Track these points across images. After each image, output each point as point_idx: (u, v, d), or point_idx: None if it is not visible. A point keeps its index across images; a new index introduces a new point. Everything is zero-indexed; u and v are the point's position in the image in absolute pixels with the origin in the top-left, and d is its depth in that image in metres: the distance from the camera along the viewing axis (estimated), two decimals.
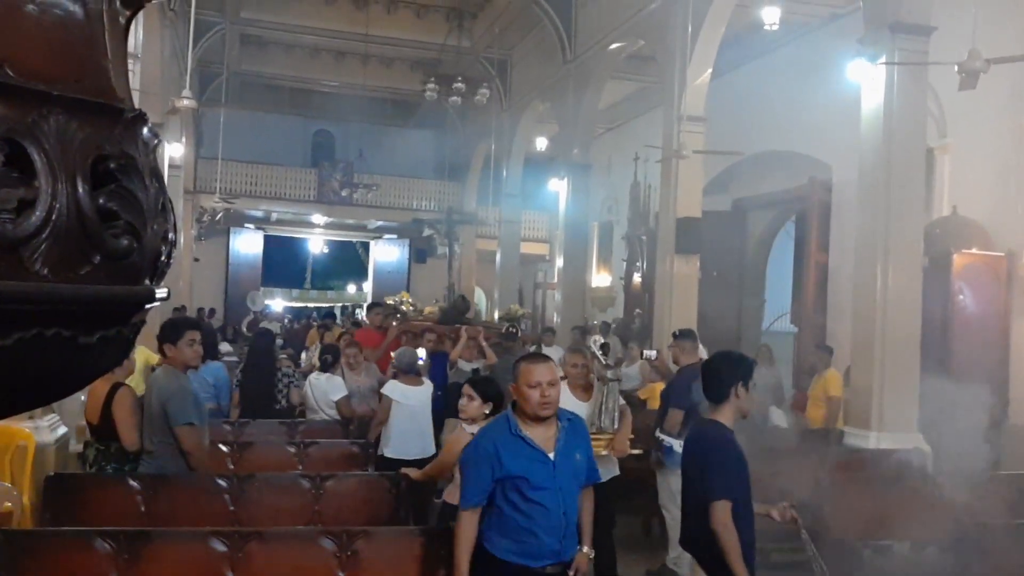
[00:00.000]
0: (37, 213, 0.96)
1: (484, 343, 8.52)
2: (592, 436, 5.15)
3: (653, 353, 8.20)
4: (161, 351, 4.49)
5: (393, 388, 6.35)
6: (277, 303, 28.53)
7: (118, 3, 1.17)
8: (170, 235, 1.25)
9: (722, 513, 3.28)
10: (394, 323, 9.10)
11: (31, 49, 0.99)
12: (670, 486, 6.23)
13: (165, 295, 1.24)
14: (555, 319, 16.11)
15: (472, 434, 4.20)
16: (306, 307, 30.56)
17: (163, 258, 1.24)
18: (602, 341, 5.81)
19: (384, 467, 5.68)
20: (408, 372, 6.48)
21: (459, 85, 15.82)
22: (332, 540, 3.31)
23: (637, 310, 15.34)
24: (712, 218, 12.50)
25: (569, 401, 5.19)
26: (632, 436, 5.58)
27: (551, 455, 3.19)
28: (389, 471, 5.04)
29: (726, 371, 3.51)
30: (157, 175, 1.18)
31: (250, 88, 21.83)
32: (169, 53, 13.96)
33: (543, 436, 3.22)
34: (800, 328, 12.53)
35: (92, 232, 1.01)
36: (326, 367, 7.20)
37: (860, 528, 5.15)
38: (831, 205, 11.91)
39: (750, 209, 15.36)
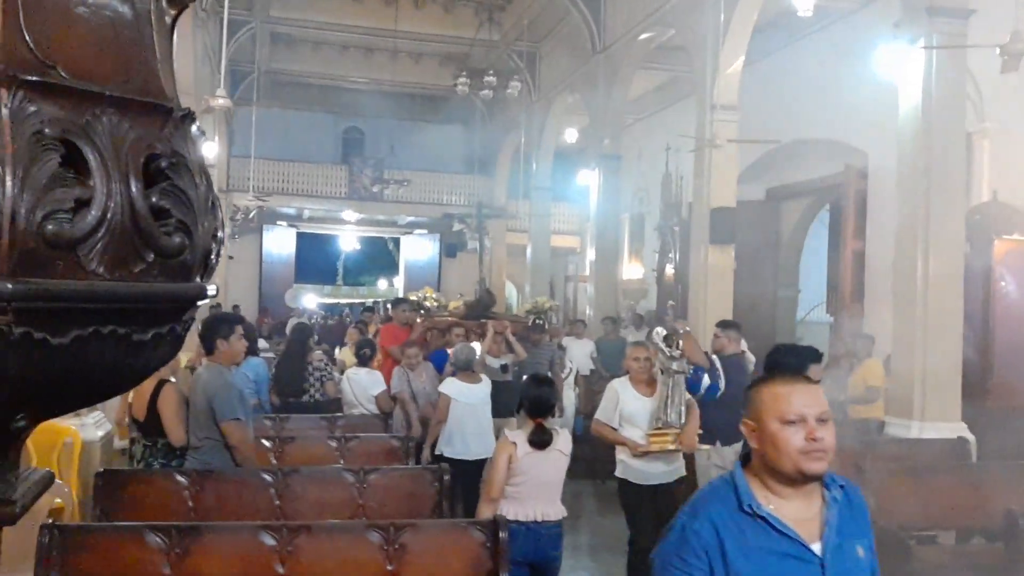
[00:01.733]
0: (93, 212, 0.96)
1: (511, 337, 8.33)
2: (659, 431, 5.09)
3: (661, 330, 8.18)
4: (206, 348, 4.53)
5: (451, 386, 6.23)
6: (310, 299, 28.72)
7: (164, 2, 1.18)
8: (219, 232, 1.26)
9: None
10: (419, 319, 8.93)
11: (83, 50, 1.00)
12: (710, 477, 6.22)
13: (215, 292, 1.26)
14: (587, 312, 16.06)
15: (514, 443, 4.19)
16: (338, 303, 30.75)
17: (213, 255, 1.25)
18: (665, 332, 5.62)
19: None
20: (465, 369, 6.36)
21: (490, 79, 15.79)
22: (379, 533, 3.32)
23: (670, 302, 15.24)
24: (745, 207, 12.38)
25: (631, 397, 5.21)
26: (700, 431, 5.48)
27: (816, 547, 1.89)
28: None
29: (776, 365, 3.42)
30: (205, 173, 1.19)
31: (280, 86, 21.99)
32: (201, 53, 14.09)
33: (802, 514, 1.92)
34: (836, 318, 12.39)
35: (145, 230, 1.02)
36: (364, 361, 7.26)
37: (905, 518, 5.09)
38: (867, 193, 11.75)
39: (784, 198, 15.19)
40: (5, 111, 0.93)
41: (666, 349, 5.32)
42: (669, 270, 15.95)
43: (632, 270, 19.49)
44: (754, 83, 11.80)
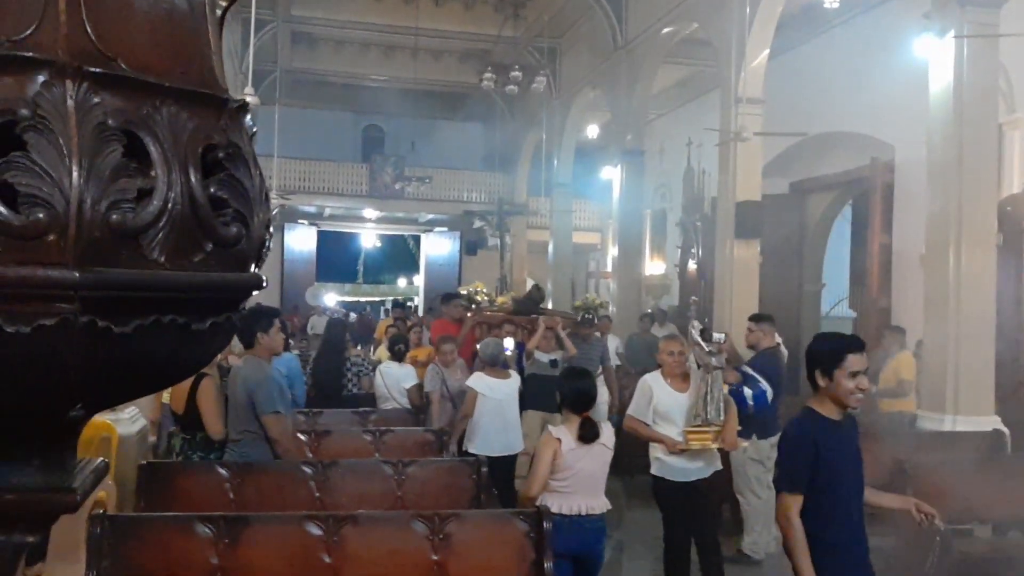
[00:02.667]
0: (155, 202, 0.97)
1: (562, 333, 8.18)
2: (698, 429, 4.99)
3: (722, 336, 8.13)
4: (245, 341, 4.56)
5: (478, 381, 6.15)
6: (330, 298, 28.88)
7: None
8: (271, 224, 1.27)
9: (783, 506, 3.15)
10: (469, 314, 8.79)
11: (142, 43, 1.00)
12: (746, 471, 6.18)
13: (267, 283, 1.26)
14: (610, 308, 16.03)
15: (559, 439, 4.16)
16: (359, 301, 30.91)
17: (266, 246, 1.25)
18: (701, 327, 5.50)
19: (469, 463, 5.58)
20: (493, 364, 6.27)
21: (516, 74, 15.76)
22: (424, 523, 3.33)
23: (693, 297, 15.07)
24: (770, 202, 12.30)
25: (666, 392, 5.09)
26: (740, 427, 5.36)
27: None
28: None
29: (810, 356, 3.31)
30: (258, 164, 1.19)
31: (301, 85, 22.09)
32: (225, 53, 14.15)
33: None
34: (860, 312, 12.30)
35: (204, 220, 1.03)
36: (399, 357, 7.31)
37: (942, 512, 5.03)
38: (894, 186, 11.64)
39: (809, 192, 15.08)
40: (71, 102, 0.93)
41: (703, 343, 5.19)
42: (691, 266, 15.89)
43: (654, 266, 19.43)
44: (779, 76, 11.72)
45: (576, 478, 4.15)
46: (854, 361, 3.18)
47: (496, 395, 6.09)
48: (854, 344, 3.27)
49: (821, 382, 3.22)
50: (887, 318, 11.25)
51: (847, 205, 14.70)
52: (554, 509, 3.80)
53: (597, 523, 4.22)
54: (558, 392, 4.39)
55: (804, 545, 3.07)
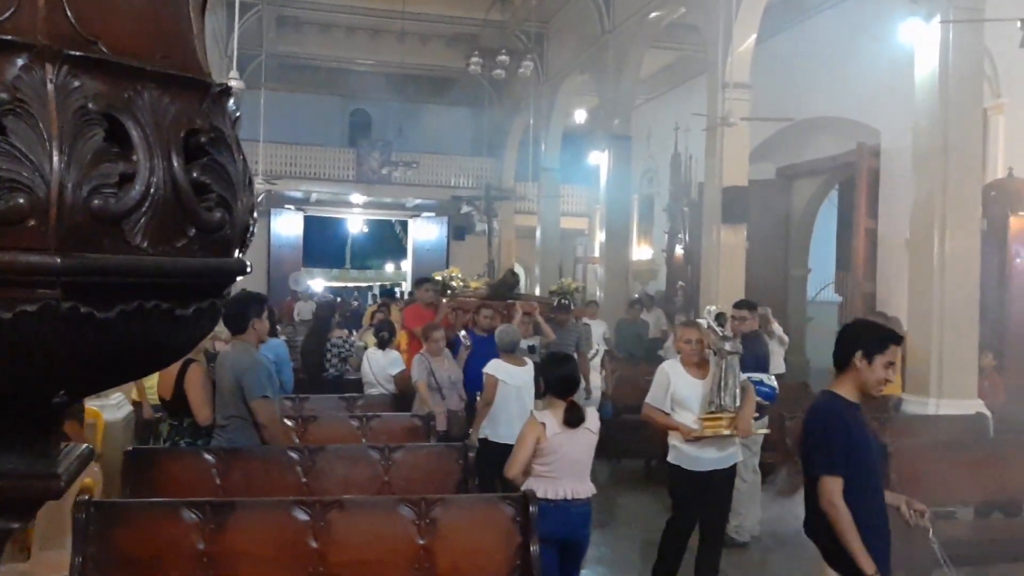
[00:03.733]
0: (137, 187, 0.96)
1: (540, 319, 8.14)
2: (712, 416, 4.88)
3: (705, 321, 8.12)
4: (237, 327, 4.54)
5: (498, 367, 6.01)
6: (317, 283, 28.80)
7: None
8: (254, 208, 1.26)
9: (827, 490, 3.10)
10: (444, 300, 8.67)
11: (123, 26, 0.99)
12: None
13: (251, 268, 1.26)
14: (597, 293, 16.06)
15: (543, 423, 4.16)
16: (346, 287, 30.83)
17: (249, 231, 1.25)
18: (717, 311, 5.33)
19: (488, 452, 5.39)
20: (511, 351, 6.16)
21: (503, 58, 15.69)
22: (411, 508, 3.34)
23: (680, 282, 15.24)
24: (756, 187, 12.33)
25: (683, 380, 4.99)
26: (756, 414, 5.27)
27: None
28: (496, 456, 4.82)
29: (851, 338, 3.27)
30: (241, 149, 1.19)
31: (287, 69, 21.92)
32: (208, 36, 14.03)
33: None
34: (846, 297, 12.37)
35: (187, 205, 1.02)
36: (384, 344, 7.31)
37: (923, 495, 5.08)
38: (879, 171, 11.69)
39: (795, 177, 15.14)
40: (51, 86, 0.92)
41: (718, 329, 5.07)
42: (679, 251, 15.94)
43: (642, 251, 19.48)
44: (766, 61, 11.73)
45: (561, 463, 4.15)
46: (894, 352, 3.23)
47: (515, 382, 5.98)
48: (897, 336, 3.34)
49: (859, 363, 3.20)
50: (872, 303, 11.32)
51: (834, 190, 14.76)
52: (540, 494, 3.80)
53: (583, 508, 4.22)
54: (542, 378, 4.37)
55: (854, 527, 3.05)
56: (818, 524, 3.20)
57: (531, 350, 7.63)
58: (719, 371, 4.94)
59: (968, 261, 7.29)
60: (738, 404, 4.93)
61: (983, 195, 7.93)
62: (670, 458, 5.04)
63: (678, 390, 4.99)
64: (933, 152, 7.28)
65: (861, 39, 11.43)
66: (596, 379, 8.89)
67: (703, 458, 4.92)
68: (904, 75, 7.85)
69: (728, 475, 5.04)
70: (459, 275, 10.10)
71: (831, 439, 3.16)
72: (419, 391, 6.51)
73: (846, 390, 3.24)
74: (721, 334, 5.03)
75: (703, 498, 4.93)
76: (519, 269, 23.39)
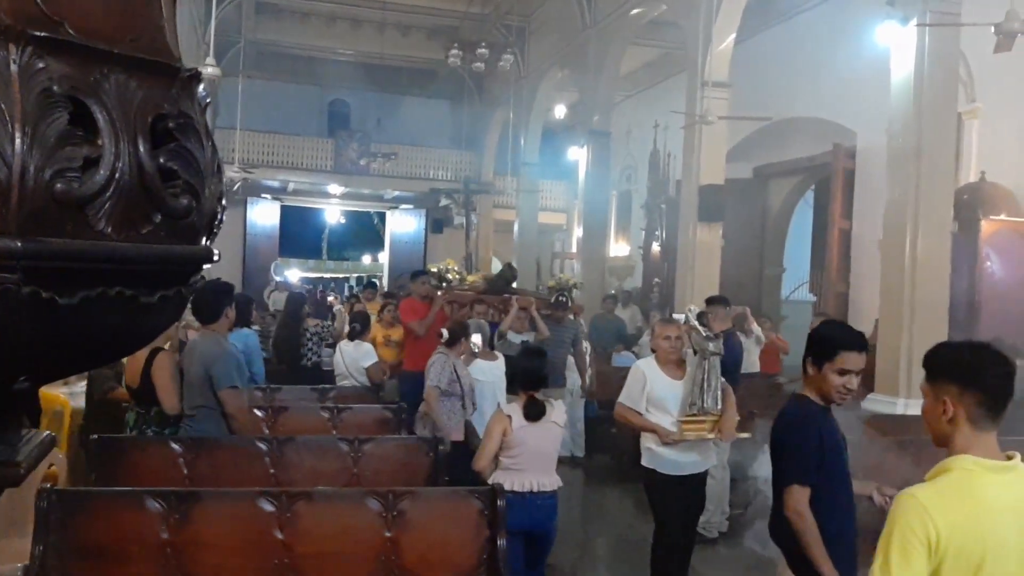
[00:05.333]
0: (101, 172, 0.95)
1: (536, 314, 7.98)
2: (694, 419, 4.65)
3: (682, 317, 8.12)
4: (210, 316, 4.51)
5: (472, 364, 5.90)
6: (294, 273, 28.65)
7: None
8: (224, 197, 1.25)
9: (793, 499, 3.00)
10: (439, 292, 8.47)
11: (91, 8, 0.99)
12: None
13: (219, 257, 1.25)
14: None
15: (509, 416, 4.16)
16: (322, 278, 30.69)
17: (218, 219, 1.24)
18: (698, 310, 5.07)
19: (460, 453, 5.10)
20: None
21: (483, 51, 15.63)
22: (378, 500, 3.33)
23: (656, 279, 15.29)
24: (733, 186, 12.41)
25: (660, 379, 4.77)
26: (739, 417, 5.05)
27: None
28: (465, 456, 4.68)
29: (809, 340, 3.14)
30: (210, 136, 1.18)
31: (266, 57, 21.77)
32: (186, 22, 13.92)
33: None
34: (820, 296, 12.48)
35: (153, 191, 1.01)
36: (354, 335, 7.27)
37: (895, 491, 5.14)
38: (855, 172, 11.79)
39: (772, 176, 15.24)
40: (14, 67, 0.91)
41: (701, 329, 4.85)
42: (656, 248, 15.99)
43: (619, 248, 19.52)
44: (745, 61, 11.79)
45: (527, 455, 4.17)
46: (846, 359, 3.04)
47: (489, 378, 5.86)
48: (855, 342, 3.09)
49: (810, 370, 3.11)
50: (845, 303, 11.43)
51: (810, 190, 14.87)
52: (506, 486, 3.80)
53: (549, 500, 4.24)
54: (510, 370, 4.36)
55: (819, 537, 2.97)
56: (783, 529, 3.12)
57: (524, 345, 7.51)
58: (701, 372, 4.74)
59: (939, 263, 7.38)
60: (720, 406, 4.73)
61: (955, 198, 8.02)
62: (645, 462, 4.82)
63: (655, 390, 4.77)
64: (907, 154, 7.36)
65: (839, 41, 11.52)
66: (578, 377, 8.82)
67: (684, 462, 4.73)
68: (881, 77, 7.92)
69: (703, 478, 4.88)
70: (455, 268, 9.74)
71: (804, 447, 3.04)
72: (427, 401, 5.66)
73: (812, 394, 3.12)
74: (705, 334, 4.83)
75: (683, 502, 4.74)
76: (497, 263, 23.42)
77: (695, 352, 4.82)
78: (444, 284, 9.00)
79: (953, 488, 2.07)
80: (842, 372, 3.03)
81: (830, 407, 3.14)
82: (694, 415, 4.69)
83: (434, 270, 9.28)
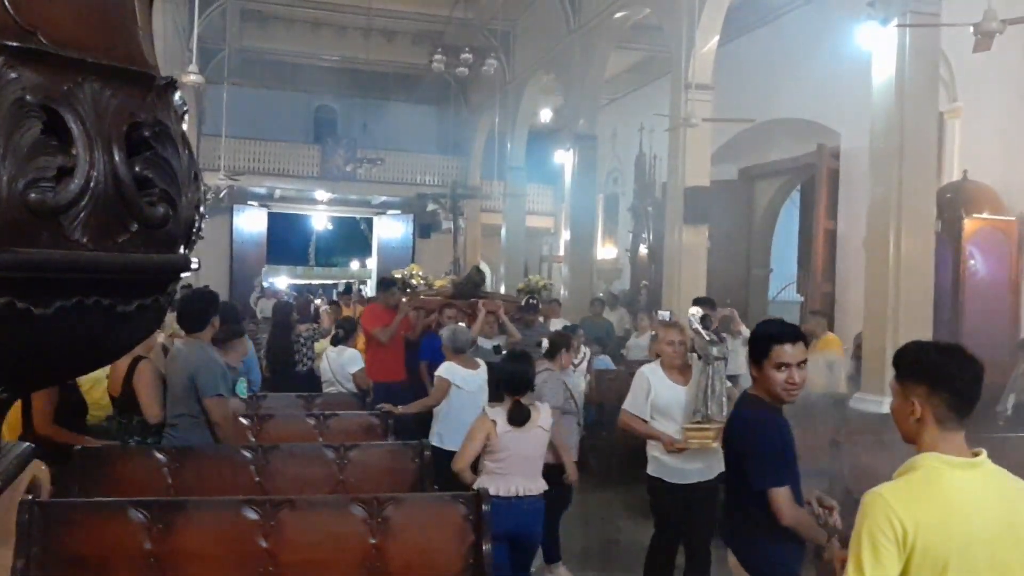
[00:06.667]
0: (76, 181, 0.96)
1: (505, 318, 7.89)
2: (698, 426, 4.49)
3: (667, 314, 8.13)
4: (197, 324, 4.50)
5: (452, 371, 5.65)
6: (282, 280, 28.55)
7: None
8: (201, 205, 1.26)
9: (778, 504, 2.91)
10: (404, 299, 8.27)
11: (64, 17, 0.99)
12: None
13: (198, 265, 1.25)
14: (562, 292, 16.11)
15: (493, 421, 4.13)
16: (310, 284, 30.61)
17: (195, 228, 1.24)
18: (701, 313, 4.93)
19: (440, 460, 4.81)
20: (461, 352, 5.79)
21: (467, 56, 15.63)
22: (362, 507, 3.32)
23: (644, 282, 15.33)
24: (719, 187, 12.45)
25: (664, 385, 4.66)
26: None
27: None
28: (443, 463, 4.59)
29: (748, 341, 3.12)
30: (187, 144, 1.18)
31: (251, 64, 21.72)
32: (170, 30, 13.88)
33: None
34: (806, 297, 12.53)
35: (129, 200, 1.02)
36: (337, 340, 7.22)
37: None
38: (839, 173, 11.86)
39: (757, 178, 15.30)
40: None
41: (705, 333, 4.73)
42: (643, 250, 16.03)
43: (606, 251, 19.55)
44: (728, 63, 11.84)
45: (512, 460, 4.16)
46: (780, 352, 2.99)
47: (469, 387, 5.61)
48: (784, 334, 3.05)
49: (754, 372, 3.07)
50: (831, 302, 11.48)
51: (795, 191, 14.94)
52: (492, 491, 3.79)
53: (535, 504, 4.23)
54: (496, 375, 4.34)
55: (814, 523, 2.98)
56: (733, 530, 3.11)
57: (496, 350, 7.37)
58: (705, 378, 4.60)
59: (922, 262, 7.42)
60: (725, 413, 4.50)
61: (938, 197, 8.07)
62: (650, 470, 4.69)
63: (659, 397, 4.65)
64: (889, 154, 7.40)
65: (822, 42, 11.58)
66: (581, 384, 8.71)
67: (687, 470, 4.58)
68: (863, 78, 7.96)
69: (712, 486, 4.62)
70: (420, 273, 9.59)
71: (771, 448, 2.98)
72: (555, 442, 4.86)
73: (763, 394, 3.08)
74: (708, 338, 4.70)
75: (687, 513, 4.59)
76: (485, 267, 23.44)
77: (699, 357, 4.69)
78: (408, 290, 8.86)
79: (919, 485, 2.09)
80: (779, 367, 3.00)
81: (781, 407, 3.09)
82: (699, 422, 4.55)
83: (399, 275, 9.13)
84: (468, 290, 9.24)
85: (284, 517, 3.24)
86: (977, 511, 2.07)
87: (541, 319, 8.69)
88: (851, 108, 10.23)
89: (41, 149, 0.94)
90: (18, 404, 4.36)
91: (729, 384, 4.76)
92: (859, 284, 8.58)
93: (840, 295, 11.53)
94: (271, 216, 25.41)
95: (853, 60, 9.29)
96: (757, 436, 3.02)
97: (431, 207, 20.38)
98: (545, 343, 5.93)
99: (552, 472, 4.72)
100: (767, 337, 3.06)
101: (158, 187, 1.08)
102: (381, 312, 7.94)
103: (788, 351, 3.01)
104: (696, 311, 5.02)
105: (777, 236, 15.78)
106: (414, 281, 9.09)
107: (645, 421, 4.67)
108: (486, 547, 3.33)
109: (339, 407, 6.10)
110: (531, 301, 8.43)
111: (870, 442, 5.67)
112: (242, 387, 5.48)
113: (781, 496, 2.93)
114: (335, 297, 21.63)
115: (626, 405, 4.79)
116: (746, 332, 9.05)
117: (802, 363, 3.06)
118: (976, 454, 2.16)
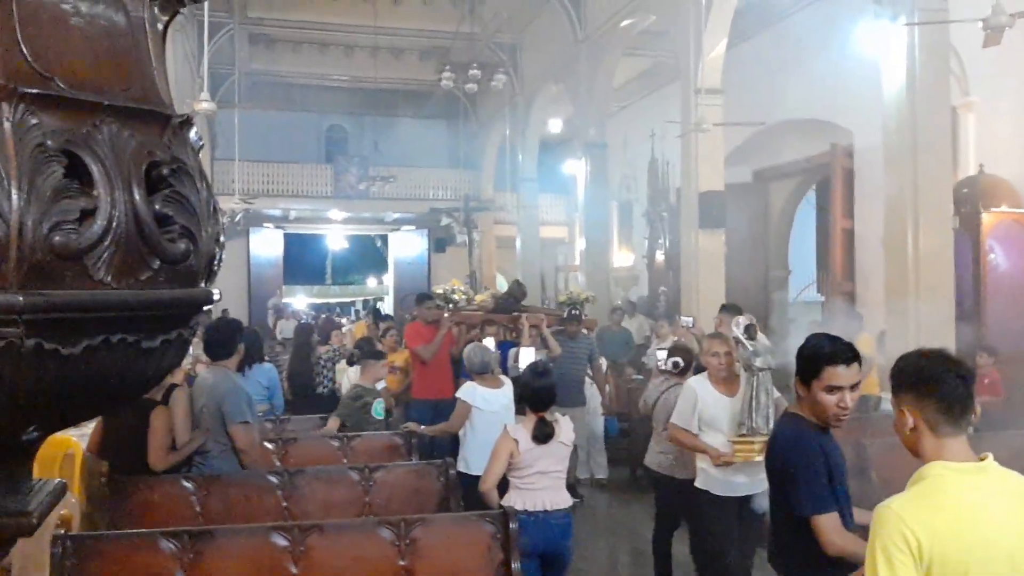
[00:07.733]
0: (98, 222, 0.97)
1: (547, 332, 7.73)
2: (743, 439, 4.39)
3: (690, 320, 8.09)
4: (224, 352, 4.53)
5: (472, 392, 5.47)
6: (299, 300, 28.68)
7: (156, 9, 1.18)
8: (221, 237, 1.26)
9: (827, 530, 2.71)
10: (445, 314, 8.06)
11: (79, 60, 1.00)
12: None
13: (219, 296, 1.26)
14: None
15: (516, 440, 4.10)
16: (328, 303, 30.72)
17: (216, 260, 1.25)
18: (746, 323, 4.76)
19: (468, 485, 4.73)
20: (483, 372, 5.60)
21: (475, 72, 15.69)
22: (390, 529, 3.32)
23: (662, 288, 15.28)
24: (734, 190, 12.42)
25: (711, 397, 4.61)
26: None
27: None
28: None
29: (795, 358, 2.87)
30: (205, 178, 1.19)
31: (261, 87, 21.90)
32: (180, 56, 14.02)
33: None
34: (827, 296, 12.45)
35: (151, 238, 1.03)
36: (352, 361, 7.18)
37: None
38: (854, 171, 11.79)
39: (772, 179, 15.23)
40: (7, 125, 0.93)
41: (748, 342, 4.60)
42: (659, 256, 15.99)
43: (622, 258, 19.52)
44: (737, 65, 11.82)
45: (536, 475, 4.13)
46: (833, 375, 2.75)
47: (491, 407, 5.41)
48: (838, 353, 2.78)
49: (800, 391, 2.86)
50: (852, 302, 11.39)
51: (811, 191, 14.87)
52: (519, 506, 3.77)
53: (563, 519, 4.18)
54: (519, 390, 4.31)
55: (861, 545, 2.55)
56: (783, 558, 2.95)
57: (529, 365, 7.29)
58: (750, 389, 4.48)
59: (942, 258, 7.36)
60: (771, 426, 4.29)
61: (955, 192, 8.01)
62: (699, 483, 4.63)
63: (706, 409, 4.59)
64: (903, 151, 7.35)
65: (831, 41, 11.52)
66: (597, 393, 8.61)
67: (735, 482, 4.50)
68: (873, 75, 7.93)
69: (758, 504, 4.42)
70: (461, 288, 9.29)
71: (811, 471, 2.78)
72: (676, 439, 4.82)
73: (806, 413, 2.88)
74: (751, 348, 4.56)
75: (741, 523, 4.50)
76: (501, 279, 23.45)
77: (744, 368, 4.58)
78: (450, 305, 8.67)
79: (927, 494, 2.06)
80: (831, 389, 2.77)
81: (828, 429, 2.88)
82: (744, 436, 4.45)
83: (439, 291, 8.93)
84: (509, 304, 9.00)
85: (313, 542, 3.25)
86: (990, 516, 2.03)
87: (584, 331, 8.43)
88: (863, 106, 10.18)
89: (63, 192, 0.96)
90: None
91: (778, 395, 4.62)
92: (879, 282, 8.52)
93: (861, 293, 11.44)
94: (287, 237, 25.56)
95: (862, 58, 9.25)
96: (798, 459, 2.81)
97: (445, 221, 20.47)
98: (661, 356, 5.85)
99: None
100: (819, 356, 2.80)
101: (178, 223, 1.09)
102: (422, 329, 7.76)
103: (842, 373, 2.76)
104: (740, 320, 4.85)
105: (794, 237, 15.70)
106: (455, 296, 8.79)
107: (693, 434, 4.61)
108: (515, 565, 3.32)
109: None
110: (574, 312, 8.17)
111: (894, 442, 5.61)
112: (379, 408, 5.48)
113: (826, 524, 2.72)
114: (355, 316, 21.73)
115: (674, 418, 4.76)
116: (764, 340, 8.99)
117: (855, 385, 2.82)
118: (983, 458, 2.12)
